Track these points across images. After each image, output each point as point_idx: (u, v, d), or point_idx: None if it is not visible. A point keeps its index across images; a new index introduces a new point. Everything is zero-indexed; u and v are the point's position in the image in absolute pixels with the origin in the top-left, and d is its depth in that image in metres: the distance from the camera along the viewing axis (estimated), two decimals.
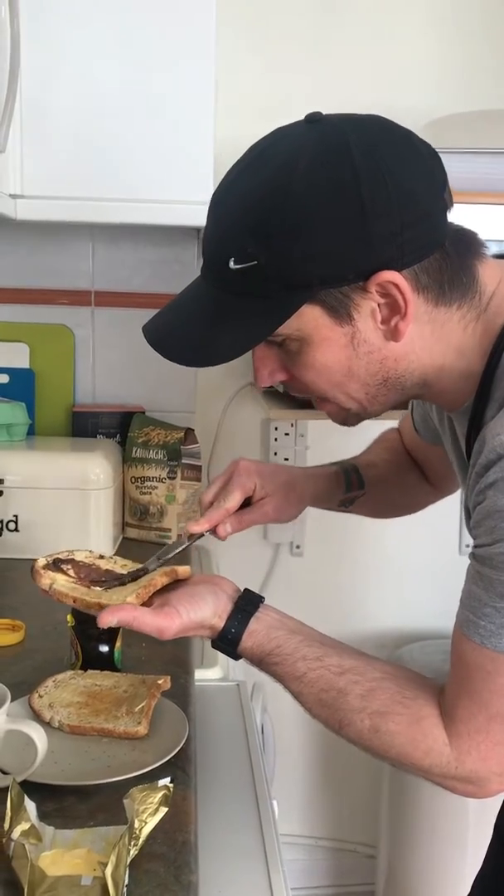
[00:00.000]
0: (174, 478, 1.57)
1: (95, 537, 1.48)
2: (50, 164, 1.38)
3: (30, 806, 0.73)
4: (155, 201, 1.40)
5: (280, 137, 0.78)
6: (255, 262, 0.75)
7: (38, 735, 0.78)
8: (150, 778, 0.80)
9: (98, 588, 0.89)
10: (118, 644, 1.06)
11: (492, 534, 0.73)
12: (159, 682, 0.98)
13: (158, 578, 0.88)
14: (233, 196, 0.78)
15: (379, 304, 0.77)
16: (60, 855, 0.71)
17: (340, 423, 0.89)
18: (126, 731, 0.91)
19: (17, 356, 1.73)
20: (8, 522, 1.45)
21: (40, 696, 0.96)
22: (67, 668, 1.05)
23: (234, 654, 0.86)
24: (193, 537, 0.97)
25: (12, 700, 0.86)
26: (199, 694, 1.08)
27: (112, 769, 0.85)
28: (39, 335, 1.74)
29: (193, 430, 1.64)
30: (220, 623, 0.85)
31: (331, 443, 1.86)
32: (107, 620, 0.81)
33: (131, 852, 0.70)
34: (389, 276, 0.75)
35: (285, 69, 1.72)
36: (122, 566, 0.95)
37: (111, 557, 0.97)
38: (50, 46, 1.36)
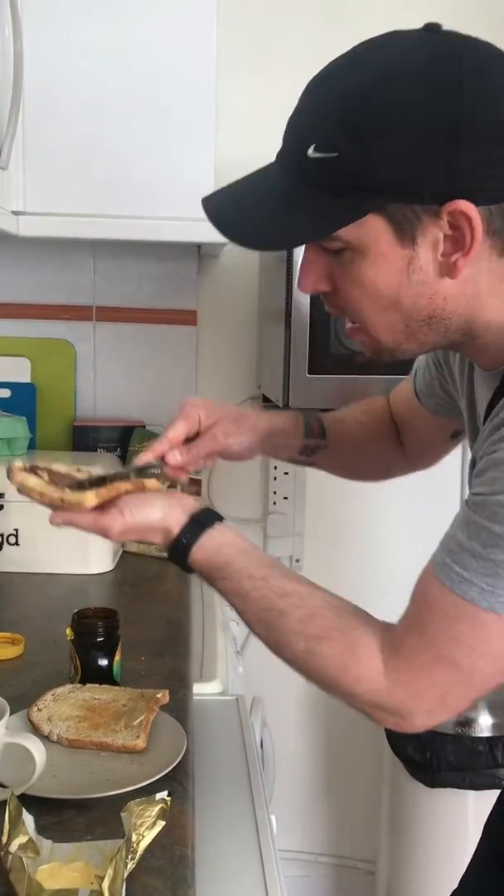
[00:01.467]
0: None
1: (95, 551, 1.48)
2: (52, 181, 1.40)
3: (28, 819, 0.73)
4: (156, 218, 1.41)
5: (394, 38, 0.76)
6: (336, 155, 0.72)
7: (36, 748, 0.79)
8: (148, 792, 0.80)
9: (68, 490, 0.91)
10: (117, 658, 1.06)
11: (493, 484, 0.72)
12: (158, 696, 0.99)
13: (123, 485, 0.90)
14: (332, 84, 0.76)
15: (445, 235, 0.74)
16: (58, 868, 0.71)
17: (370, 354, 0.86)
18: (124, 744, 0.91)
19: (18, 371, 1.74)
20: (8, 536, 1.46)
21: (39, 710, 0.96)
22: (67, 681, 1.05)
23: (185, 565, 0.88)
24: (142, 470, 0.96)
25: (11, 713, 0.86)
26: (197, 708, 1.08)
27: (110, 783, 0.85)
28: (41, 350, 1.76)
29: None
30: (172, 531, 0.87)
31: None
32: (55, 521, 0.88)
33: (128, 866, 0.70)
34: (465, 206, 0.72)
35: (286, 83, 1.72)
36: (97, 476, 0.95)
37: (89, 472, 0.97)
38: (52, 65, 1.38)
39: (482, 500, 0.73)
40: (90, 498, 0.87)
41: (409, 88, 0.71)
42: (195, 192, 1.41)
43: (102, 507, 0.88)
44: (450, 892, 1.17)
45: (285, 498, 1.86)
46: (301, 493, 1.87)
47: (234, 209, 0.80)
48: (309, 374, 1.40)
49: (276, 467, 1.86)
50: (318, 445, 1.11)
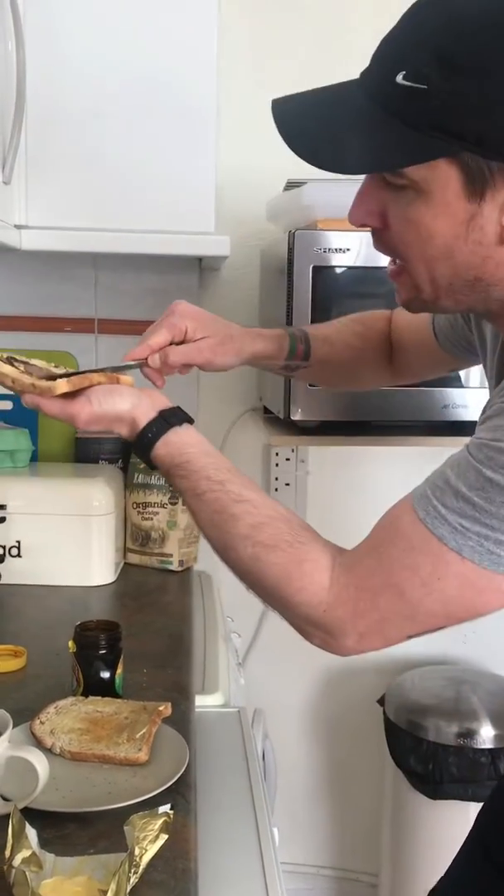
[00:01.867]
0: (175, 503, 1.58)
1: (98, 562, 1.48)
2: (54, 195, 1.41)
3: (31, 833, 0.73)
4: (157, 231, 1.42)
5: None
6: (425, 88, 0.68)
7: (39, 762, 0.79)
8: (151, 805, 0.80)
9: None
10: (119, 670, 1.07)
11: (495, 431, 0.73)
12: (160, 708, 0.99)
13: (97, 376, 0.91)
14: (440, 9, 0.70)
15: None
16: (61, 882, 0.71)
17: (404, 301, 0.84)
18: (127, 757, 0.91)
19: None
20: (10, 548, 1.46)
21: (42, 723, 0.97)
22: (69, 694, 1.05)
23: (148, 459, 0.90)
24: (119, 368, 0.98)
25: (14, 726, 0.86)
26: (199, 720, 1.08)
27: (113, 796, 0.85)
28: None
29: None
30: (139, 424, 0.89)
31: (331, 470, 1.88)
32: (25, 402, 0.89)
33: (132, 880, 0.70)
34: None
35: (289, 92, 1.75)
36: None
37: (66, 369, 0.98)
38: (54, 79, 1.39)
39: (481, 443, 0.73)
40: (61, 385, 0.89)
41: None
42: (196, 205, 1.44)
43: (74, 396, 0.90)
44: None
45: (287, 484, 1.86)
46: (303, 505, 1.87)
47: (304, 121, 0.77)
48: (310, 386, 1.41)
49: (276, 478, 1.86)
50: (298, 366, 1.12)
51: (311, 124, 0.77)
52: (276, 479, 1.86)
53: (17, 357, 0.95)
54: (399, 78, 0.70)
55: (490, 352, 0.92)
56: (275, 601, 0.83)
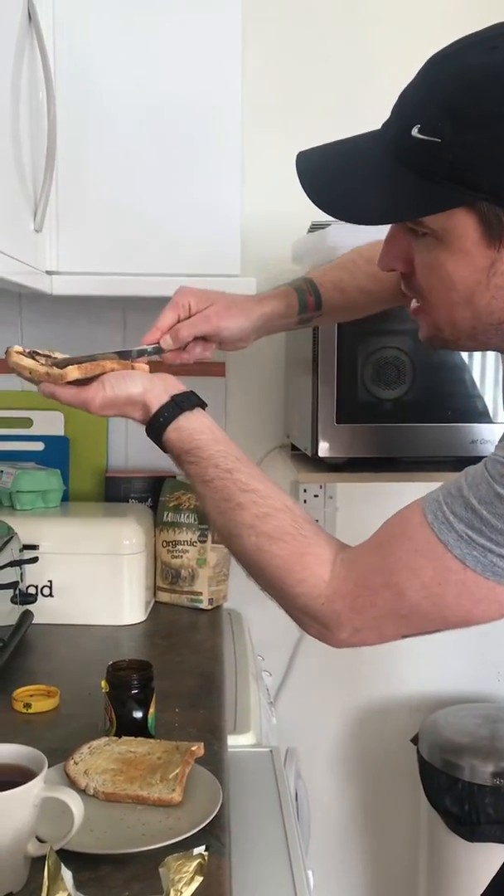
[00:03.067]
0: (205, 541, 1.59)
1: (129, 601, 1.49)
2: (83, 241, 1.44)
3: (66, 875, 0.73)
4: (185, 275, 1.44)
5: None
6: (438, 140, 0.70)
7: (74, 803, 0.79)
8: (185, 846, 0.80)
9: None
10: (152, 710, 1.07)
11: None
12: (193, 748, 0.99)
13: (109, 363, 0.93)
14: (453, 65, 0.73)
15: None
16: None
17: (425, 339, 0.85)
18: (160, 798, 0.91)
19: (52, 424, 1.77)
20: (43, 588, 1.47)
21: (76, 763, 0.97)
22: (101, 733, 1.06)
23: (160, 442, 0.91)
24: (130, 353, 1.00)
25: (48, 766, 0.87)
26: (232, 760, 1.07)
27: (147, 837, 0.85)
28: None
29: None
30: (151, 407, 0.90)
31: (360, 506, 1.88)
32: (42, 391, 0.93)
33: None
34: None
35: (312, 139, 1.78)
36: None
37: (91, 356, 1.00)
38: (84, 130, 1.43)
39: (496, 460, 0.74)
40: (72, 371, 0.91)
41: None
42: (222, 248, 1.47)
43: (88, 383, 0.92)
44: None
45: (316, 520, 1.86)
46: (332, 519, 1.87)
47: (324, 174, 0.80)
48: (337, 423, 1.42)
49: (305, 490, 1.85)
50: (312, 317, 1.12)
51: (331, 177, 0.79)
52: (304, 490, 1.86)
53: (40, 351, 0.97)
54: (414, 131, 0.72)
55: None
56: (275, 591, 0.85)
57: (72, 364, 0.94)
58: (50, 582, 1.47)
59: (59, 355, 0.99)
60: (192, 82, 1.44)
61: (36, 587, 1.47)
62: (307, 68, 1.79)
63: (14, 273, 1.19)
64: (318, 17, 1.78)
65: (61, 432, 1.78)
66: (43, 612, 1.44)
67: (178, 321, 1.05)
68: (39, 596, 1.46)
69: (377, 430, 1.44)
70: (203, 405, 0.93)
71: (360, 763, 1.97)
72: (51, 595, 1.47)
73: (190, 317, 1.05)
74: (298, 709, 1.88)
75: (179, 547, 1.61)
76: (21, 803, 0.77)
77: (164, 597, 1.62)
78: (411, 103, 0.75)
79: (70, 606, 1.47)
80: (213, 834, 0.87)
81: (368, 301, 1.13)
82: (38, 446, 1.76)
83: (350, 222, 0.78)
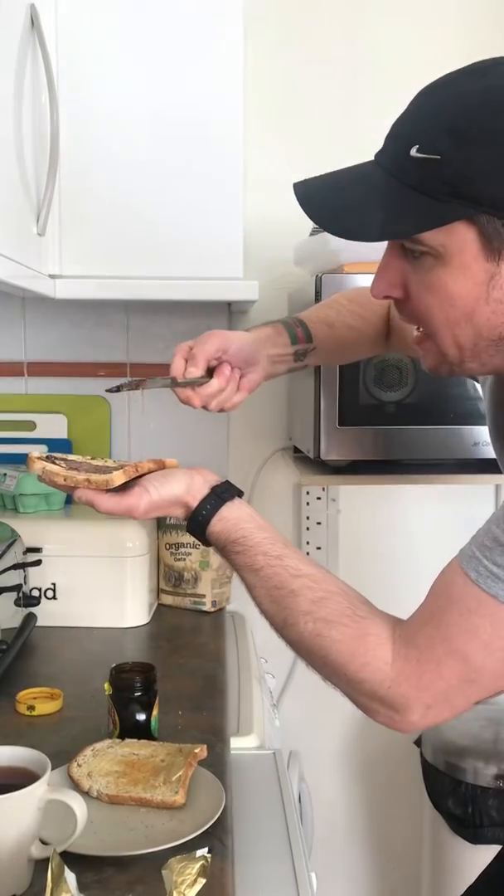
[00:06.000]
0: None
1: (132, 604, 1.49)
2: (86, 245, 1.45)
3: (70, 877, 0.73)
4: (187, 278, 1.45)
5: None
6: (438, 158, 0.72)
7: (78, 805, 0.79)
8: (188, 848, 0.80)
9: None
10: (155, 712, 1.07)
11: None
12: (196, 751, 0.99)
13: (146, 464, 0.92)
14: (448, 91, 0.76)
15: None
16: None
17: (431, 367, 0.86)
18: (164, 800, 0.92)
19: (55, 427, 1.78)
20: (46, 590, 1.48)
21: (79, 766, 0.97)
22: (104, 736, 1.06)
23: (203, 536, 0.90)
24: (188, 381, 1.03)
25: (51, 769, 0.87)
26: (234, 762, 1.08)
27: (150, 839, 0.85)
28: (77, 406, 1.80)
29: None
30: (193, 503, 0.89)
31: (362, 508, 1.88)
32: (79, 497, 0.90)
33: None
34: None
35: (313, 148, 1.79)
36: (113, 463, 0.98)
37: (103, 459, 1.00)
38: (87, 133, 1.43)
39: None
40: (118, 476, 0.89)
41: None
42: (224, 252, 1.47)
43: (123, 489, 0.91)
44: None
45: (318, 548, 1.86)
46: (334, 543, 1.87)
47: (325, 194, 0.81)
48: (339, 425, 1.42)
49: (307, 517, 1.86)
50: (306, 350, 1.13)
51: (332, 198, 0.80)
52: (308, 517, 1.86)
53: (55, 455, 0.96)
54: (413, 151, 0.74)
55: (485, 398, 0.94)
56: (338, 678, 0.83)
57: (103, 469, 0.94)
58: (53, 584, 1.48)
59: (73, 457, 0.98)
60: (194, 86, 1.45)
61: (39, 590, 1.47)
62: (309, 70, 1.80)
63: (17, 277, 1.20)
64: (321, 19, 1.79)
65: (64, 435, 1.79)
66: (46, 614, 1.44)
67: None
68: (43, 598, 1.46)
69: (379, 433, 1.44)
70: (241, 494, 0.92)
71: (363, 765, 1.97)
72: (54, 598, 1.48)
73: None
74: (301, 711, 1.88)
75: (182, 549, 1.61)
76: (25, 806, 0.77)
77: (168, 599, 1.62)
78: (407, 128, 0.77)
79: (73, 609, 1.47)
80: (216, 836, 0.87)
81: (356, 339, 1.16)
82: (42, 449, 1.76)
83: (350, 239, 0.78)
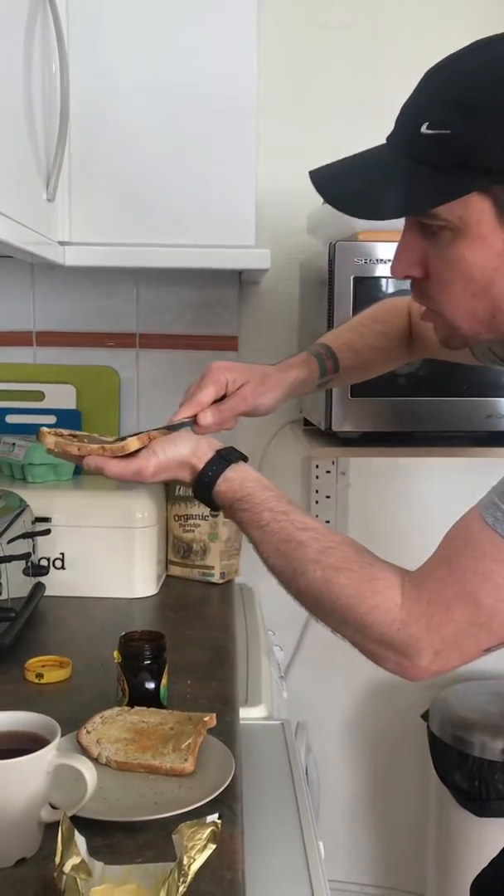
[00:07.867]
0: (217, 515, 1.59)
1: (140, 574, 1.49)
2: (96, 212, 1.43)
3: (80, 840, 0.73)
4: (198, 246, 1.44)
5: None
6: (448, 132, 0.74)
7: (87, 770, 0.79)
8: (197, 815, 0.80)
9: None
10: (164, 681, 1.07)
11: None
12: (205, 719, 0.99)
13: (155, 433, 0.96)
14: (453, 67, 0.78)
15: None
16: (110, 890, 0.71)
17: (443, 340, 0.88)
18: (173, 767, 0.91)
19: (64, 397, 1.77)
20: (55, 560, 1.48)
21: (88, 733, 0.97)
22: (114, 704, 1.06)
23: (209, 497, 0.93)
24: (173, 426, 1.02)
25: (61, 736, 0.87)
26: (243, 732, 1.08)
27: (159, 806, 0.85)
28: (86, 377, 1.78)
29: None
30: (199, 464, 0.93)
31: (372, 482, 1.88)
32: (88, 464, 0.94)
33: (180, 889, 0.70)
34: None
35: (325, 117, 1.76)
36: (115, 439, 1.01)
37: (110, 435, 1.03)
38: (98, 99, 1.41)
39: None
40: (133, 442, 0.94)
41: None
42: (236, 219, 1.45)
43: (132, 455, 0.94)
44: None
45: (327, 522, 1.86)
46: (343, 517, 1.87)
47: (340, 177, 0.83)
48: (351, 396, 1.41)
49: (317, 491, 1.86)
50: (331, 380, 1.16)
51: (348, 181, 0.82)
52: (317, 491, 1.86)
53: (62, 431, 0.99)
54: (423, 128, 0.76)
55: None
56: (346, 625, 0.83)
57: (101, 441, 0.97)
58: (62, 554, 1.48)
59: (80, 434, 1.00)
60: (208, 53, 1.42)
61: (48, 559, 1.47)
62: (324, 37, 1.77)
63: (27, 242, 1.18)
64: None
65: (73, 406, 1.78)
66: (55, 584, 1.44)
67: (215, 398, 1.06)
68: (52, 568, 1.46)
69: (391, 405, 1.43)
70: (245, 458, 0.95)
71: (371, 738, 1.97)
72: (63, 567, 1.48)
73: (225, 395, 1.07)
74: (309, 683, 1.89)
75: (191, 521, 1.60)
76: (34, 770, 0.77)
77: (176, 570, 1.62)
78: (416, 108, 0.79)
79: (82, 579, 1.47)
80: (226, 804, 0.87)
81: (379, 358, 1.18)
82: (50, 419, 1.75)
83: (369, 219, 0.81)
